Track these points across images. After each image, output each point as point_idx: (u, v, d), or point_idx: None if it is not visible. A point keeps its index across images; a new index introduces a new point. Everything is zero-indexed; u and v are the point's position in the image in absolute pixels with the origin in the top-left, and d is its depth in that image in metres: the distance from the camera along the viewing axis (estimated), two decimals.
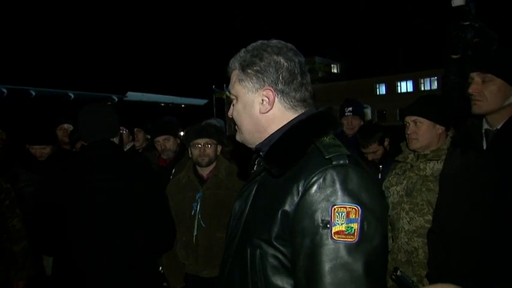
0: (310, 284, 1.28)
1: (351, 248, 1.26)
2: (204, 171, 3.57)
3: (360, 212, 1.28)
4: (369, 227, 1.29)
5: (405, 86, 49.02)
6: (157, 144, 4.52)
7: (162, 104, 45.59)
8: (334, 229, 1.27)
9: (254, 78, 1.50)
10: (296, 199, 1.34)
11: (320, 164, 1.35)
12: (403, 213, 2.83)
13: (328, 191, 1.30)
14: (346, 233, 1.27)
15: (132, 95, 41.94)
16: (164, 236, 2.84)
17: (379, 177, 3.80)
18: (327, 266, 1.26)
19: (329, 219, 1.28)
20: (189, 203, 3.42)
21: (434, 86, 46.44)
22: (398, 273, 1.29)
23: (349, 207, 1.28)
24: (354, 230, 1.27)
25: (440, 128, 2.87)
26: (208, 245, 3.39)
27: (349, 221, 1.27)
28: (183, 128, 5.89)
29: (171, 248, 3.17)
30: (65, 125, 5.22)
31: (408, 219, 2.81)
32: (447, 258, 2.33)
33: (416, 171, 2.89)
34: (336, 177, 1.31)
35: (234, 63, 1.56)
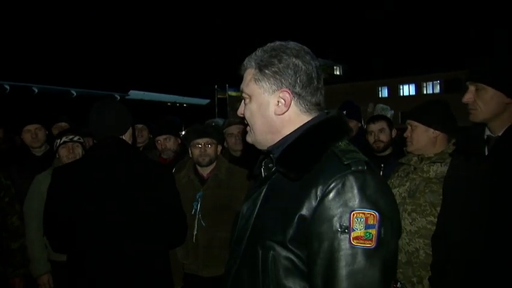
0: None
1: (369, 254, 1.28)
2: (205, 171, 3.56)
3: (377, 218, 1.30)
4: (386, 232, 1.31)
5: (407, 89, 48.99)
6: (158, 144, 4.54)
7: (169, 104, 45.61)
8: (353, 234, 1.28)
9: (272, 79, 1.49)
10: (314, 203, 1.33)
11: (339, 169, 1.35)
12: (405, 214, 2.85)
13: (347, 197, 1.31)
14: (365, 238, 1.28)
15: (134, 94, 42.02)
16: (175, 236, 2.83)
17: (380, 174, 3.81)
18: (344, 271, 1.28)
19: (348, 224, 1.29)
20: (189, 203, 3.39)
21: (437, 89, 46.45)
22: (399, 285, 1.27)
23: (368, 213, 1.29)
24: (372, 235, 1.29)
25: (434, 132, 2.90)
26: (208, 245, 3.38)
27: (368, 226, 1.29)
28: (185, 128, 5.90)
29: (180, 245, 3.17)
30: (62, 123, 5.06)
31: (410, 220, 2.83)
32: (449, 263, 2.33)
33: (419, 173, 2.91)
34: (354, 183, 1.32)
35: (250, 62, 1.54)
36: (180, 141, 4.62)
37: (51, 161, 3.83)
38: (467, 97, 2.22)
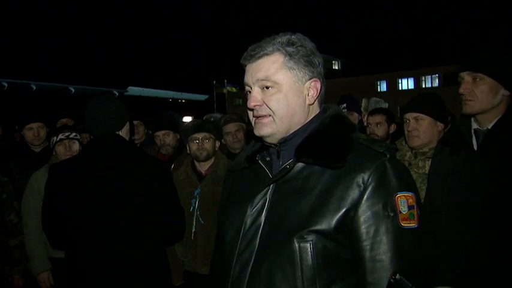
0: (381, 271, 1.35)
1: (415, 232, 1.39)
2: (203, 167, 3.54)
3: (415, 199, 1.41)
4: (421, 211, 1.43)
5: (406, 83, 48.99)
6: (157, 139, 4.52)
7: (170, 100, 45.62)
8: (401, 216, 1.37)
9: (306, 68, 1.49)
10: (358, 192, 1.38)
11: (375, 157, 1.41)
12: None
13: (390, 182, 1.39)
14: (410, 218, 1.38)
15: (133, 90, 42.00)
16: (172, 232, 2.85)
17: None
18: (398, 252, 1.35)
19: (395, 207, 1.37)
20: (187, 200, 3.38)
21: (436, 83, 46.46)
22: (397, 276, 1.25)
23: (408, 195, 1.40)
24: (414, 215, 1.39)
25: (440, 125, 2.86)
26: (207, 242, 3.35)
27: (410, 207, 1.39)
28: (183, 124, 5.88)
29: (178, 241, 3.15)
30: (64, 120, 5.07)
31: None
32: (441, 260, 2.24)
33: (415, 169, 2.87)
34: (393, 169, 1.41)
35: (275, 48, 1.48)
36: (179, 137, 4.60)
37: (49, 158, 3.82)
38: (465, 87, 2.18)
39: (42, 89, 35.20)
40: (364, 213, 1.37)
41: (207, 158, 3.50)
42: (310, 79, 1.50)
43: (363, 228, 1.37)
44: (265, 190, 1.52)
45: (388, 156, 1.40)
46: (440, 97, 2.99)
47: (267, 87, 1.49)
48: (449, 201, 2.24)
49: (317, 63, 1.51)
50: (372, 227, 1.36)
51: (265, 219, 1.48)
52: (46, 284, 3.54)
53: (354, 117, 4.91)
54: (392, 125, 4.26)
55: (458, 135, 2.28)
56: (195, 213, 3.39)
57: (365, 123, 4.69)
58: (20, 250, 3.47)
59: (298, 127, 1.52)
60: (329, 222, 1.37)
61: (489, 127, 2.17)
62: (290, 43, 1.48)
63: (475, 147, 2.19)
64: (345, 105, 4.93)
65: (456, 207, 2.19)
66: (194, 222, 3.38)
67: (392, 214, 1.36)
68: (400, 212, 1.36)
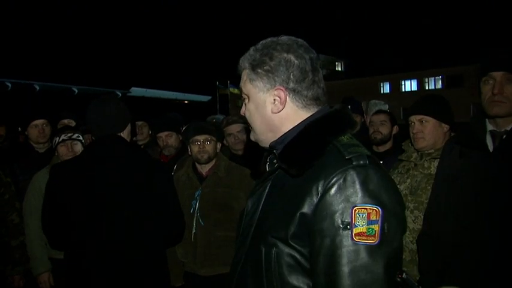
0: (330, 286, 1.27)
1: (371, 250, 1.26)
2: (204, 169, 3.54)
3: (380, 213, 1.27)
4: (389, 228, 1.29)
5: (409, 85, 48.89)
6: (159, 140, 4.53)
7: (177, 101, 45.57)
8: (355, 230, 1.26)
9: (265, 78, 1.48)
10: (315, 199, 1.31)
11: (340, 164, 1.33)
12: (408, 212, 2.79)
13: (349, 192, 1.28)
14: (367, 234, 1.26)
15: (136, 91, 41.98)
16: (172, 234, 2.85)
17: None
18: (347, 268, 1.25)
19: (350, 220, 1.26)
20: (188, 201, 3.39)
21: (439, 85, 46.33)
22: (404, 275, 1.23)
23: (370, 209, 1.27)
24: (375, 231, 1.26)
25: (445, 127, 2.86)
26: (207, 243, 3.36)
27: (370, 222, 1.26)
28: (186, 125, 5.89)
29: (178, 243, 3.15)
30: (66, 120, 5.06)
31: (413, 218, 2.78)
32: (446, 265, 2.24)
33: (420, 170, 2.87)
34: (356, 178, 1.29)
35: (244, 62, 1.54)
36: (181, 138, 4.61)
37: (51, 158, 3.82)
38: (499, 88, 2.09)
39: (46, 89, 35.23)
40: (319, 223, 1.29)
41: (209, 160, 3.50)
42: (273, 88, 1.48)
43: (317, 239, 1.29)
44: (260, 190, 1.55)
45: (354, 163, 1.31)
46: (444, 98, 3.00)
47: (244, 99, 1.57)
48: (459, 202, 2.20)
49: (284, 69, 1.45)
50: (325, 238, 1.28)
51: (257, 220, 1.51)
52: (46, 284, 3.55)
53: (358, 120, 4.90)
54: (395, 127, 4.28)
55: (472, 135, 2.24)
56: (195, 214, 3.39)
57: (367, 126, 4.69)
58: (21, 250, 3.48)
59: (278, 134, 1.51)
60: (287, 231, 1.34)
61: (507, 129, 2.13)
62: (256, 53, 1.50)
63: (490, 149, 2.16)
64: (348, 107, 4.93)
65: (468, 209, 2.15)
66: (194, 224, 3.38)
67: (346, 227, 1.26)
68: (355, 226, 1.25)
